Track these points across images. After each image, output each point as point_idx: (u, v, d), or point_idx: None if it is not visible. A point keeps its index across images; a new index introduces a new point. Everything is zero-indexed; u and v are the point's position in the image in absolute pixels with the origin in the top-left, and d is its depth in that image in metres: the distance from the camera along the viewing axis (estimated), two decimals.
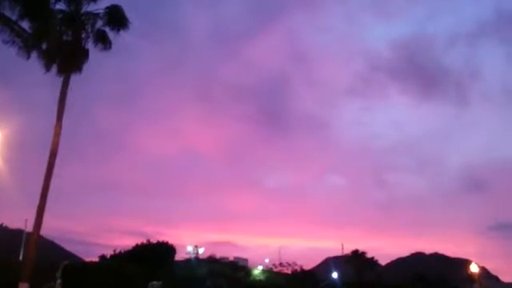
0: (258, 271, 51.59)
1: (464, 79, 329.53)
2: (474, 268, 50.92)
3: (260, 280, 45.72)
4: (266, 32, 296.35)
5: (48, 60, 20.55)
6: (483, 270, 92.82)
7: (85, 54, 22.30)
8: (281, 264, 54.85)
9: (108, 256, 42.33)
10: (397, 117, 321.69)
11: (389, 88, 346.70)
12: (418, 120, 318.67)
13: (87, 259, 53.33)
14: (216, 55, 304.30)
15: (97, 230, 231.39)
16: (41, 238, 19.92)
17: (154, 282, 41.38)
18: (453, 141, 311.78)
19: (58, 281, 34.59)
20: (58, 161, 20.36)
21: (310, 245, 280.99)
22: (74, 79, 21.90)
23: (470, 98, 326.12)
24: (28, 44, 18.92)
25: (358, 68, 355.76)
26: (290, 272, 52.84)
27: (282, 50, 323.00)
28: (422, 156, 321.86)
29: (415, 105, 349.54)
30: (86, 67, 22.40)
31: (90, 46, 22.49)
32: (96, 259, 44.33)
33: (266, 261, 65.66)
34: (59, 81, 21.12)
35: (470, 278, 58.58)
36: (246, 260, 66.38)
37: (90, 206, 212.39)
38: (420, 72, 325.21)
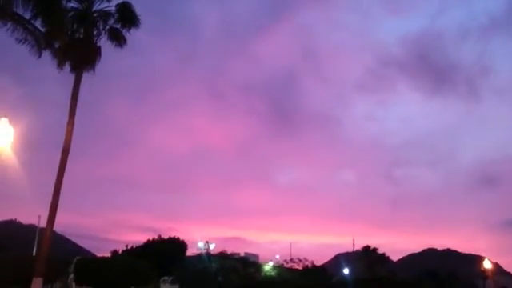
0: (268, 267, 51.71)
1: (475, 74, 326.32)
2: (487, 264, 50.52)
3: (271, 276, 45.81)
4: (277, 27, 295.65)
5: (61, 58, 20.75)
6: (496, 265, 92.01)
7: (97, 52, 22.50)
8: (292, 260, 54.84)
9: (120, 251, 42.72)
10: (408, 112, 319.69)
11: (400, 83, 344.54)
12: (429, 116, 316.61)
13: (99, 254, 53.96)
14: (226, 51, 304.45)
15: (108, 225, 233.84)
16: (53, 233, 20.14)
17: (166, 278, 41.74)
18: (464, 136, 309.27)
19: (71, 276, 35.03)
20: (70, 156, 20.57)
21: (320, 241, 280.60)
22: (87, 76, 22.12)
23: (482, 93, 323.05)
24: (40, 42, 19.10)
25: (368, 63, 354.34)
26: (301, 268, 52.79)
27: (292, 46, 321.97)
28: (434, 152, 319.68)
29: (426, 100, 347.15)
30: (98, 64, 22.61)
31: (102, 43, 22.74)
32: (108, 254, 44.77)
33: (277, 257, 65.79)
34: (72, 78, 21.33)
35: (483, 274, 58.22)
36: (256, 256, 66.50)
37: (102, 202, 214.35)
38: (431, 67, 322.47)
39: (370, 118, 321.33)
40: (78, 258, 37.72)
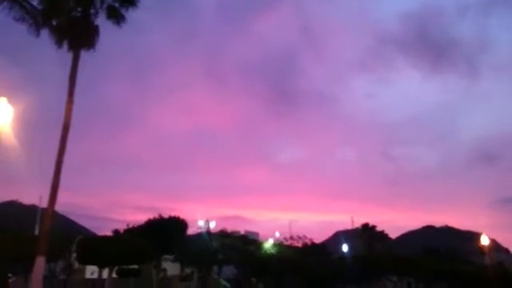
0: (268, 245, 52.20)
1: (475, 51, 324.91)
2: (484, 240, 50.93)
3: (271, 253, 46.26)
4: (276, 7, 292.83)
5: (59, 37, 20.60)
6: (494, 242, 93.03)
7: (95, 30, 22.29)
8: (291, 237, 55.35)
9: (121, 231, 43.05)
10: (407, 90, 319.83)
11: (398, 61, 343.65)
12: (428, 93, 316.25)
13: (100, 234, 54.34)
14: (226, 30, 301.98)
15: (109, 205, 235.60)
16: (54, 212, 20.23)
17: (167, 256, 42.21)
18: (463, 114, 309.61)
19: (74, 255, 35.48)
20: (70, 137, 20.52)
21: (320, 218, 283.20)
22: (85, 55, 21.95)
23: (481, 70, 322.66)
24: (38, 21, 18.93)
25: (367, 42, 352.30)
26: (300, 245, 53.33)
27: (291, 26, 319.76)
28: (432, 129, 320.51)
29: (425, 78, 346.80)
30: (97, 43, 22.42)
31: (100, 22, 22.50)
32: (109, 234, 45.12)
33: (277, 234, 66.37)
34: (70, 57, 21.19)
35: (481, 250, 58.67)
36: (256, 234, 67.13)
37: (103, 182, 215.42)
38: (430, 44, 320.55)
39: (369, 96, 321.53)
40: (80, 236, 38.11)
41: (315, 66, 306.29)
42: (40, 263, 18.17)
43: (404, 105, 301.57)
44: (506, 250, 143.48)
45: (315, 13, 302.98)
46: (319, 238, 63.44)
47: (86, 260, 33.38)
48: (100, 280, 33.53)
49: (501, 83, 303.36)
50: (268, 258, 43.69)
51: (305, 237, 54.25)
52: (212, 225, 51.42)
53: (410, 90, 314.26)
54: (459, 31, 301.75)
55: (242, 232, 56.11)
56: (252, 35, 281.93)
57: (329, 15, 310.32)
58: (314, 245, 53.91)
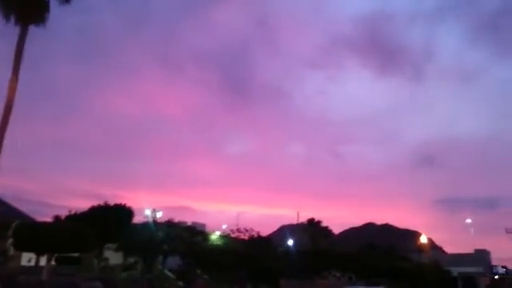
0: (215, 236, 51.95)
1: (422, 56, 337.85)
2: (423, 239, 53.23)
3: (217, 245, 46.06)
4: None
5: (6, 9, 19.36)
6: (429, 241, 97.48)
7: (44, 6, 21.18)
8: (238, 230, 55.27)
9: (63, 217, 41.30)
10: (356, 90, 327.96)
11: (349, 62, 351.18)
12: (376, 95, 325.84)
13: (40, 219, 51.95)
14: (180, 16, 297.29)
15: (51, 189, 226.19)
16: None
17: (110, 245, 41.01)
18: (408, 117, 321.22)
19: (10, 240, 33.64)
20: (13, 117, 19.43)
21: (267, 212, 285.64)
22: (34, 33, 20.83)
23: (427, 75, 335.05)
24: None
25: (320, 40, 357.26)
26: (247, 238, 53.41)
27: (246, 18, 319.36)
28: (378, 130, 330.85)
29: (374, 79, 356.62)
30: (46, 22, 21.33)
31: None
32: (49, 220, 43.20)
33: (224, 226, 66.22)
34: (17, 32, 20.02)
35: (420, 248, 61.44)
36: (203, 225, 66.64)
37: (45, 165, 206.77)
38: (380, 48, 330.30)
39: (320, 94, 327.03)
40: (17, 221, 36.18)
41: (269, 59, 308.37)
42: None
43: (353, 104, 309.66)
44: (441, 249, 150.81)
45: (272, 5, 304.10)
46: (266, 231, 63.85)
47: (23, 246, 31.81)
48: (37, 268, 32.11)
49: (444, 90, 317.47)
50: (214, 249, 43.45)
51: (251, 229, 54.39)
52: (159, 214, 50.56)
53: (359, 90, 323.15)
54: (408, 37, 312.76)
55: (189, 223, 55.44)
56: (209, 23, 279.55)
57: (285, 10, 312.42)
58: (260, 238, 54.14)
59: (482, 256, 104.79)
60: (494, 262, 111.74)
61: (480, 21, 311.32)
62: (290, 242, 65.90)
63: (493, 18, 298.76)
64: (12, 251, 36.61)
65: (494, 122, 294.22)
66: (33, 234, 29.46)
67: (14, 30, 20.56)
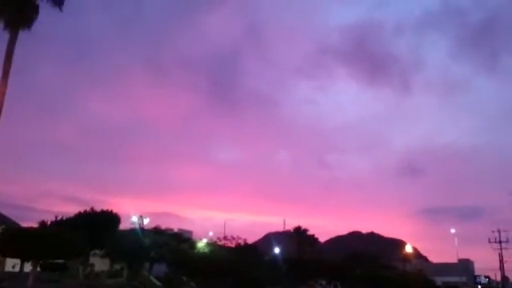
0: (202, 244, 51.83)
1: (408, 67, 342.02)
2: (408, 248, 53.75)
3: (204, 252, 45.94)
4: (223, 3, 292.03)
5: None
6: (414, 250, 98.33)
7: (34, 10, 21.22)
8: (225, 237, 55.33)
9: (48, 223, 40.87)
10: (343, 99, 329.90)
11: (337, 71, 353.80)
12: (363, 104, 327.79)
13: (24, 225, 51.28)
14: (170, 22, 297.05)
15: (36, 194, 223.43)
16: None
17: (97, 251, 40.73)
18: (394, 127, 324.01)
19: None
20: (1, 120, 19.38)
21: (253, 219, 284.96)
22: (23, 37, 20.83)
23: (413, 86, 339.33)
24: None
25: (309, 48, 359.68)
26: (233, 246, 53.39)
27: (236, 25, 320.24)
28: (365, 139, 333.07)
29: (361, 89, 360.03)
30: (35, 25, 21.35)
31: (40, 2, 21.46)
32: (35, 225, 42.68)
33: (211, 234, 66.16)
34: (7, 37, 19.99)
35: (405, 257, 61.97)
36: (190, 232, 66.51)
37: (31, 169, 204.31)
38: (367, 58, 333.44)
39: (309, 102, 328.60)
40: (2, 226, 35.81)
41: (258, 67, 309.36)
42: None
43: (340, 113, 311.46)
44: (425, 258, 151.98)
45: (262, 13, 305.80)
46: (252, 239, 63.92)
47: (7, 252, 31.39)
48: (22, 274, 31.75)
49: (430, 101, 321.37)
50: (201, 257, 43.33)
51: (238, 237, 54.45)
52: (146, 221, 50.36)
53: (346, 99, 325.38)
54: (395, 48, 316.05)
55: (176, 230, 55.30)
56: (199, 28, 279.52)
57: (275, 18, 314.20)
58: (246, 245, 54.14)
59: (465, 266, 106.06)
60: (477, 272, 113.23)
61: (465, 33, 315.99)
62: (277, 250, 65.91)
63: (478, 31, 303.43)
64: None
65: (478, 134, 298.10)
66: (17, 239, 29.07)
67: (2, 35, 20.56)
